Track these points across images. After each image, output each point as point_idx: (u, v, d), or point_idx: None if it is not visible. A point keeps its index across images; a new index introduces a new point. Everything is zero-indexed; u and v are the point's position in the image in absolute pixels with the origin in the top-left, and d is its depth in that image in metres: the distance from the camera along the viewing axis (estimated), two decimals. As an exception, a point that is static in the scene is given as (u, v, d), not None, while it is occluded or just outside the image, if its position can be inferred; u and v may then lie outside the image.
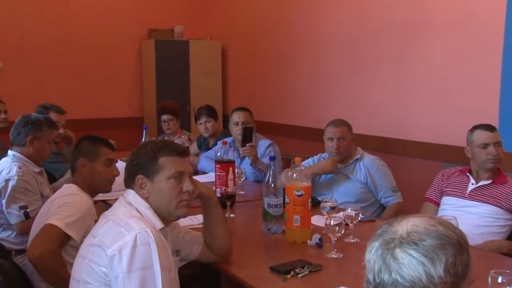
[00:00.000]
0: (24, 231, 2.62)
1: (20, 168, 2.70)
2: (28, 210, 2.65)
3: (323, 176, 3.17)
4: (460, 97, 3.70)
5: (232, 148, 3.35)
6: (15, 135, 2.79)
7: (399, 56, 4.14)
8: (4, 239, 2.67)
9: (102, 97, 6.09)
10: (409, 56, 4.07)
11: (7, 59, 5.58)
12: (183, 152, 1.77)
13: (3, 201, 2.67)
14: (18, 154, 2.77)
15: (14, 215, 2.65)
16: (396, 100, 4.18)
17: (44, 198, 2.71)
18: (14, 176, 2.67)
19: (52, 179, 3.28)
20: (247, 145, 3.35)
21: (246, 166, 3.46)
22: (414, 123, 4.04)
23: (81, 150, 2.31)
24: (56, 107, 3.63)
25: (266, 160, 3.39)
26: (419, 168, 3.98)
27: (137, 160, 1.74)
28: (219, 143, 3.50)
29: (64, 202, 2.12)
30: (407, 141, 4.08)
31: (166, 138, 4.54)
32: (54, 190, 2.60)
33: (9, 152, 2.81)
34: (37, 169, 2.80)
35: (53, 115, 3.48)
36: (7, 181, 2.67)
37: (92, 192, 2.31)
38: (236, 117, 3.62)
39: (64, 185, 2.32)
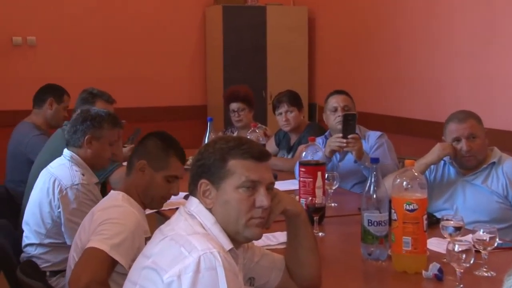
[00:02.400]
0: None
1: (83, 175, 2.78)
2: None
3: (444, 183, 3.09)
4: None
5: (325, 144, 3.40)
6: (71, 133, 2.87)
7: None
8: (38, 256, 2.80)
9: (155, 80, 6.27)
10: None
11: (41, 33, 5.88)
12: (260, 155, 1.77)
13: (62, 215, 2.72)
14: (77, 156, 2.84)
15: None
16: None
17: None
18: (77, 185, 2.73)
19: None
20: (349, 136, 3.35)
21: (348, 164, 3.50)
22: None
23: (147, 149, 2.37)
24: (105, 95, 3.73)
25: (377, 154, 3.41)
26: None
27: (203, 160, 1.77)
28: (321, 140, 3.56)
29: (106, 218, 2.17)
30: None
31: (235, 133, 4.60)
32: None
33: (65, 151, 2.88)
34: (96, 180, 2.87)
35: (100, 105, 3.59)
36: (69, 189, 2.73)
37: (142, 203, 2.37)
38: (334, 101, 3.65)
39: (111, 191, 2.40)
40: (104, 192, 3.60)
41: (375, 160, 2.32)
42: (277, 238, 2.41)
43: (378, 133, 3.65)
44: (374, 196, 2.27)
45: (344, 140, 3.35)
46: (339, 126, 3.50)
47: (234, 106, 4.51)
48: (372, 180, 2.27)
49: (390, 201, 2.25)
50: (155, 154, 2.35)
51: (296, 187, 3.00)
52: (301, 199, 2.80)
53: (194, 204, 1.76)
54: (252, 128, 4.00)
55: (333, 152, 3.43)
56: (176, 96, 6.38)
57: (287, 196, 1.95)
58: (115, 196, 2.32)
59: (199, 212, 1.74)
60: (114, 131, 2.89)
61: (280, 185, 2.98)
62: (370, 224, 2.27)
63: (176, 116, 6.24)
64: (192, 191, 1.79)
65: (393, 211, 2.20)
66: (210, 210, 1.74)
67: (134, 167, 2.35)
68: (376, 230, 2.27)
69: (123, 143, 4.04)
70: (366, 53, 5.65)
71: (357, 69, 5.76)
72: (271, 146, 4.32)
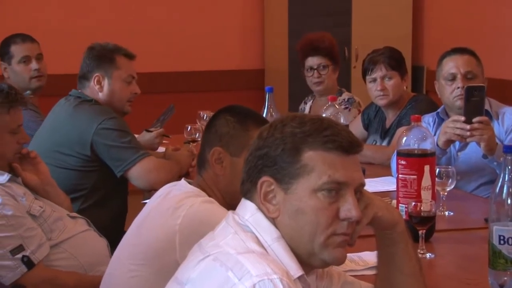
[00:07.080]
0: None
1: None
2: (27, 254, 2.72)
3: None
4: None
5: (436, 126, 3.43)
6: None
7: None
8: None
9: (192, 35, 6.33)
10: None
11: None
12: (350, 145, 1.78)
13: None
14: None
15: (7, 269, 2.71)
16: None
17: (37, 219, 2.82)
18: None
19: (106, 180, 3.52)
20: (475, 120, 3.32)
21: (471, 156, 3.48)
22: None
23: (218, 132, 2.42)
24: (122, 49, 3.76)
25: None
26: None
27: (265, 149, 1.78)
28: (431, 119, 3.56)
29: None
30: None
31: (309, 103, 4.60)
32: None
33: None
34: (4, 178, 2.84)
35: (120, 61, 3.68)
36: None
37: (226, 205, 2.35)
38: (452, 65, 3.62)
39: (183, 189, 2.37)
40: (125, 190, 3.70)
41: (509, 149, 2.29)
42: (365, 259, 2.43)
43: None
44: (509, 201, 2.24)
45: (468, 126, 3.32)
46: (459, 103, 3.50)
47: (312, 61, 4.54)
48: (506, 179, 2.24)
49: (532, 209, 2.22)
50: (230, 133, 2.41)
51: (393, 187, 3.01)
52: (400, 204, 2.80)
53: (249, 210, 1.78)
54: (330, 102, 3.92)
55: (450, 142, 3.42)
56: (222, 58, 6.44)
57: (378, 199, 1.95)
58: (193, 197, 2.31)
59: (257, 222, 1.76)
60: (13, 114, 2.86)
61: (370, 185, 2.97)
62: (502, 242, 2.25)
63: (223, 85, 6.29)
64: (248, 192, 1.80)
65: (537, 224, 2.18)
66: (273, 220, 1.76)
67: (207, 161, 2.41)
68: (511, 251, 2.25)
69: (150, 125, 4.08)
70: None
71: (487, 17, 5.67)
72: (356, 129, 4.31)
